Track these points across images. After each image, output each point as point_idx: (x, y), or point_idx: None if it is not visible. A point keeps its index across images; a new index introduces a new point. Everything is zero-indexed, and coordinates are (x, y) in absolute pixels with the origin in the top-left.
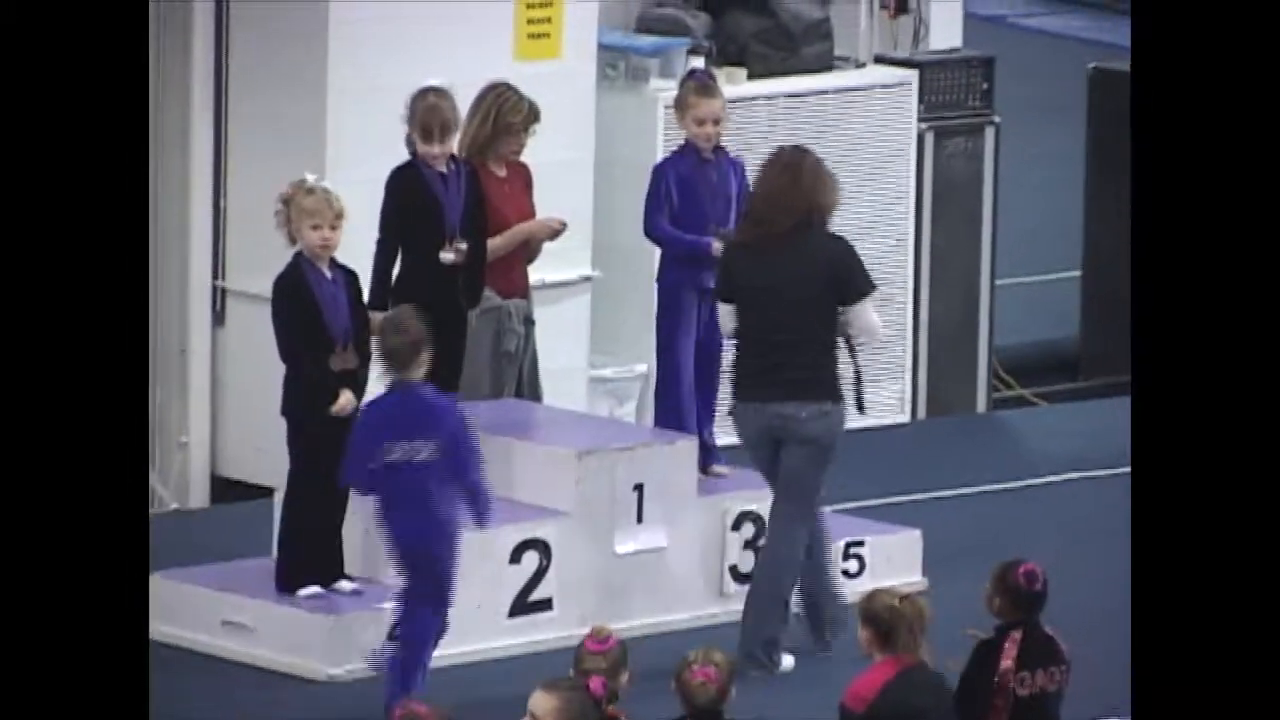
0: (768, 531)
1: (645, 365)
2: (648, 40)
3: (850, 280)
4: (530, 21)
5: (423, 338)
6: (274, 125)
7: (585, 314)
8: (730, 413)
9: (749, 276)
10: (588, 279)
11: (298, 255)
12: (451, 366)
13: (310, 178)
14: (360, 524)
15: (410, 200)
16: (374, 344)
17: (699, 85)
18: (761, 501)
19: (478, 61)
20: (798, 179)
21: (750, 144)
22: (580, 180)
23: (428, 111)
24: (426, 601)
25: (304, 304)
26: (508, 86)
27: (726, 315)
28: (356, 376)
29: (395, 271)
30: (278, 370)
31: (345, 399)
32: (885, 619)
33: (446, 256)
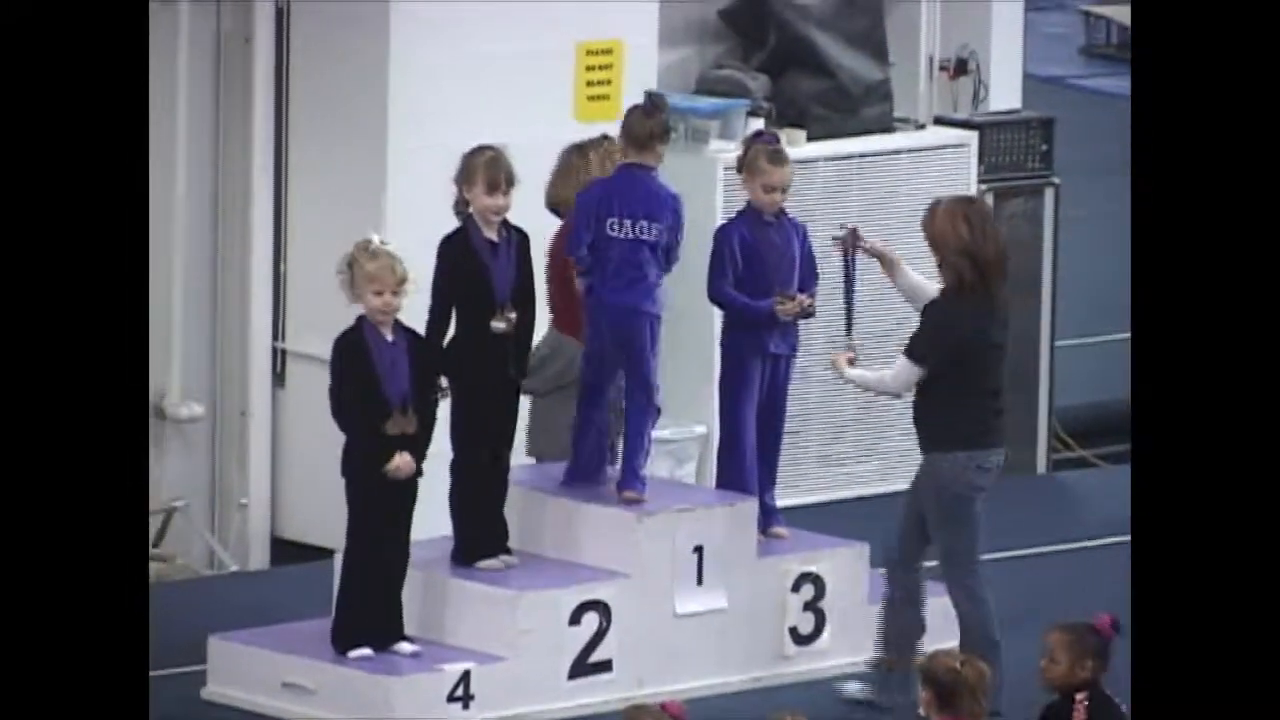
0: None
1: (704, 426)
2: (707, 102)
3: None
4: (590, 83)
5: (664, 129)
6: (334, 186)
7: None
8: (986, 464)
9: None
10: None
11: (361, 318)
12: (502, 434)
13: (375, 238)
14: (420, 584)
15: (461, 269)
16: (620, 125)
17: (771, 153)
18: (821, 563)
19: (538, 122)
20: (973, 228)
21: (810, 206)
22: (803, 297)
23: (491, 164)
24: (634, 395)
25: (361, 367)
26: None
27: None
28: (416, 440)
29: (447, 338)
30: (338, 431)
31: (400, 460)
32: (947, 681)
33: (497, 326)
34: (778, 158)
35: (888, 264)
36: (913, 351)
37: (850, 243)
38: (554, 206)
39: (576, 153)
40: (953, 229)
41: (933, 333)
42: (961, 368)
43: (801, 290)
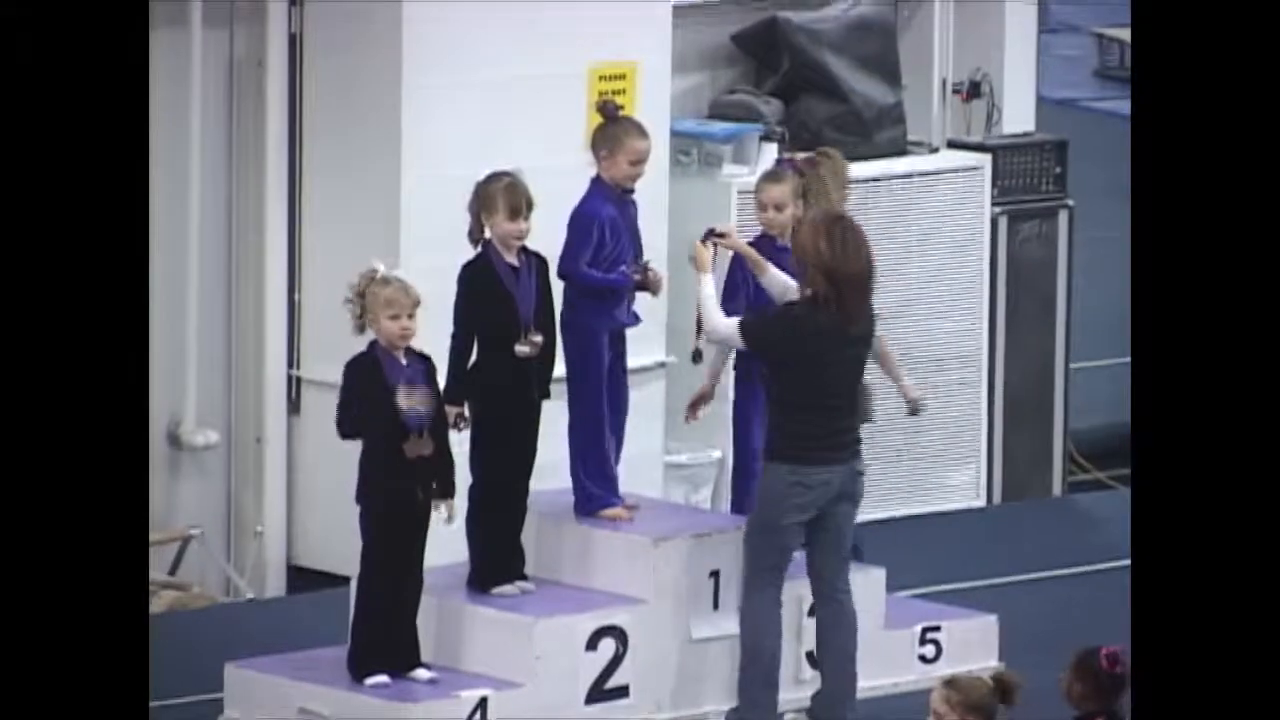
0: (840, 615)
1: (719, 451)
2: (720, 127)
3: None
4: None
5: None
6: (348, 213)
7: (660, 399)
8: (808, 481)
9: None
10: (662, 365)
11: (373, 342)
12: (523, 459)
13: (380, 267)
14: (436, 610)
15: (484, 295)
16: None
17: (765, 172)
18: None
19: (550, 147)
20: (833, 244)
21: None
22: (657, 264)
23: (511, 190)
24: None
25: (376, 390)
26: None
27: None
28: (432, 462)
29: (469, 363)
30: (354, 458)
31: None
32: (987, 705)
33: (521, 350)
34: (767, 176)
35: (753, 263)
36: (747, 323)
37: (712, 241)
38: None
39: (810, 170)
40: (813, 244)
41: (774, 323)
42: (796, 376)
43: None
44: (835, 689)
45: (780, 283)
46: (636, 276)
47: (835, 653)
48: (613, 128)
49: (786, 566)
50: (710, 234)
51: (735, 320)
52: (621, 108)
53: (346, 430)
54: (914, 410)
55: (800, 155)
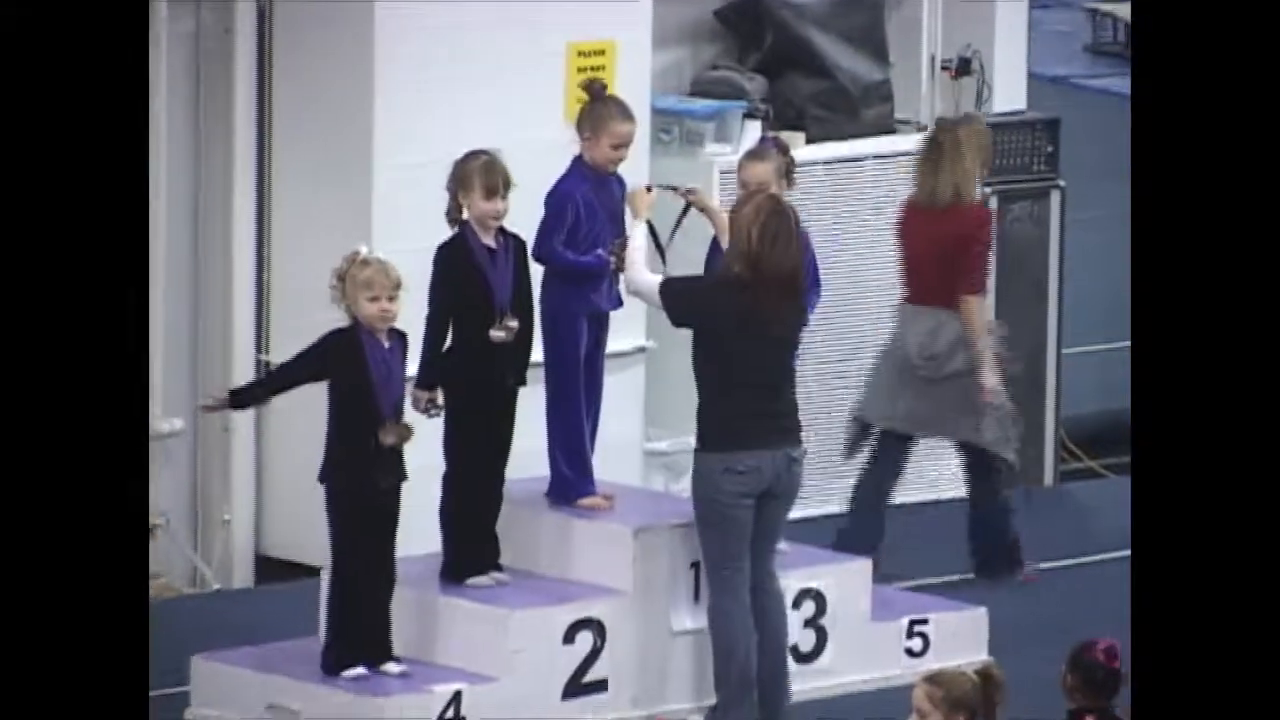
0: (766, 600)
1: None
2: (702, 104)
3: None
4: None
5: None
6: (319, 192)
7: (639, 386)
8: (739, 466)
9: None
10: (642, 350)
11: (356, 323)
12: (498, 446)
13: (364, 249)
14: (409, 602)
15: (459, 277)
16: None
17: (748, 151)
18: (822, 578)
19: (528, 125)
20: (764, 239)
21: (809, 211)
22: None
23: (488, 169)
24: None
25: (354, 372)
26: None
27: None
28: (396, 453)
29: (444, 347)
30: (323, 445)
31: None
32: (971, 701)
33: (496, 335)
34: (750, 154)
35: (719, 227)
36: (670, 285)
37: (684, 195)
38: (952, 198)
39: (948, 135)
40: (745, 230)
41: (695, 294)
42: (713, 355)
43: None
44: (768, 677)
45: None
46: (613, 259)
47: (764, 644)
48: (597, 108)
49: (745, 556)
50: (689, 192)
51: (658, 279)
52: (606, 87)
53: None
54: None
55: (782, 133)
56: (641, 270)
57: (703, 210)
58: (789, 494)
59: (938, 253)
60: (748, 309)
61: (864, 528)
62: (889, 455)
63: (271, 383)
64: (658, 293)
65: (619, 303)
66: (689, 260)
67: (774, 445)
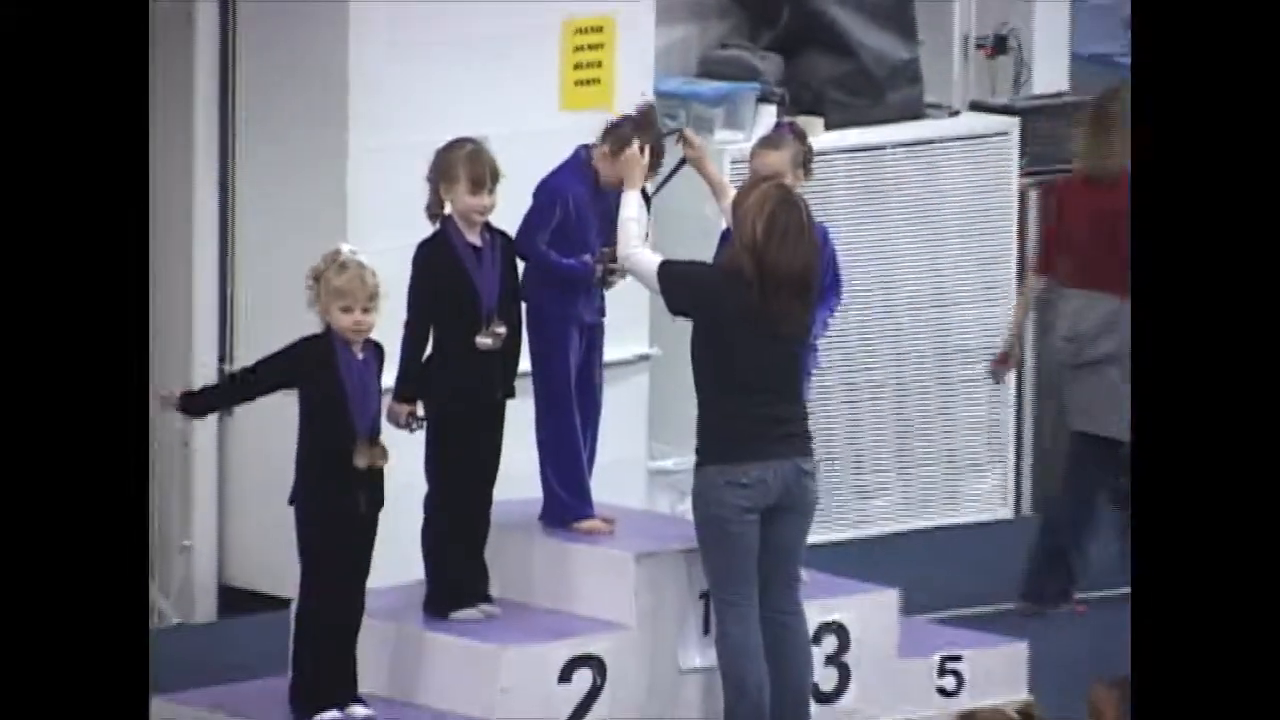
0: (786, 634)
1: None
2: (711, 86)
3: None
4: (578, 66)
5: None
6: (288, 186)
7: (643, 397)
8: (742, 479)
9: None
10: (645, 358)
11: (329, 330)
12: (486, 464)
13: (345, 249)
14: (388, 636)
15: (441, 278)
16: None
17: (761, 138)
18: (845, 610)
19: (519, 113)
20: (771, 236)
21: (829, 205)
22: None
23: (473, 159)
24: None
25: (325, 385)
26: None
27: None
28: (375, 474)
29: (424, 356)
30: (292, 466)
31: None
32: None
33: (483, 342)
34: (764, 142)
35: (715, 185)
36: (669, 266)
37: (682, 146)
38: (1119, 170)
39: (1116, 102)
40: (750, 223)
41: (695, 279)
42: (711, 353)
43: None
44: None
45: None
46: (599, 268)
47: (783, 686)
48: (641, 134)
49: (753, 581)
50: (678, 139)
51: (658, 258)
52: (655, 119)
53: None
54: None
55: (799, 118)
56: (638, 246)
57: (699, 170)
58: (802, 509)
59: (1103, 229)
60: (753, 305)
61: (1055, 560)
62: (1081, 462)
63: (234, 389)
64: (655, 274)
65: (600, 314)
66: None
67: (782, 455)
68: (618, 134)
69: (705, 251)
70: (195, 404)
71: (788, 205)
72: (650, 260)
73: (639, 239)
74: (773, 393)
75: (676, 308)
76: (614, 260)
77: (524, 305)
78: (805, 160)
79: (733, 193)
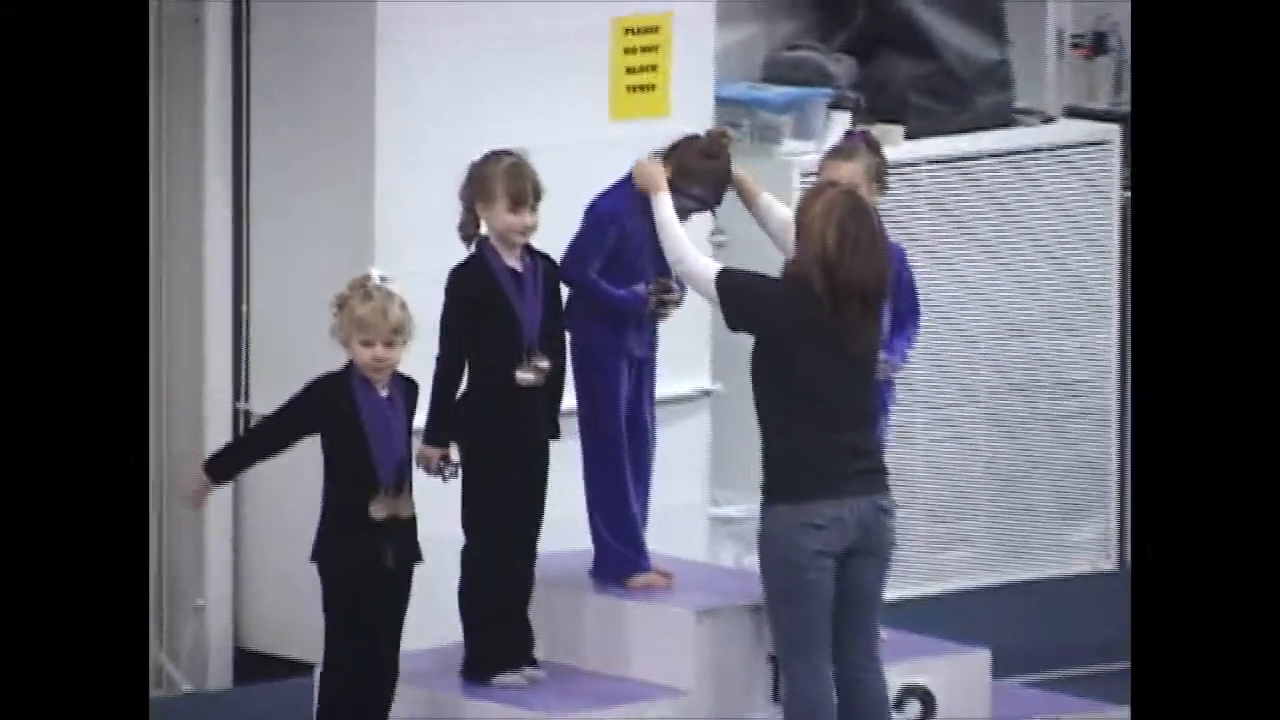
0: (865, 695)
1: None
2: (778, 92)
3: None
4: (630, 70)
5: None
6: (308, 204)
7: (704, 437)
8: (817, 519)
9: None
10: (706, 394)
11: (350, 366)
12: (529, 513)
13: (375, 275)
14: (422, 704)
15: (477, 306)
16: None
17: (833, 148)
18: (930, 673)
19: (565, 122)
20: (843, 244)
21: (908, 222)
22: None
23: (513, 174)
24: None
25: (344, 427)
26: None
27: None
28: (406, 528)
29: (459, 392)
30: (314, 517)
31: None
32: None
33: (524, 377)
34: (838, 153)
35: (746, 193)
36: (729, 274)
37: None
38: None
39: None
40: (820, 231)
41: (759, 289)
42: (779, 378)
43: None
44: None
45: (779, 218)
46: (652, 299)
47: None
48: (700, 162)
49: (828, 634)
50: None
51: (716, 266)
52: (726, 148)
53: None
54: None
55: (876, 126)
56: (690, 250)
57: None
58: (881, 552)
59: None
60: (823, 321)
61: None
62: None
63: (253, 445)
64: (713, 283)
65: (653, 349)
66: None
67: (860, 491)
68: (684, 160)
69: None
70: (219, 469)
71: (858, 212)
72: (707, 267)
73: (686, 240)
74: (847, 420)
75: (735, 322)
76: (668, 291)
77: (570, 337)
78: (880, 173)
79: (767, 196)
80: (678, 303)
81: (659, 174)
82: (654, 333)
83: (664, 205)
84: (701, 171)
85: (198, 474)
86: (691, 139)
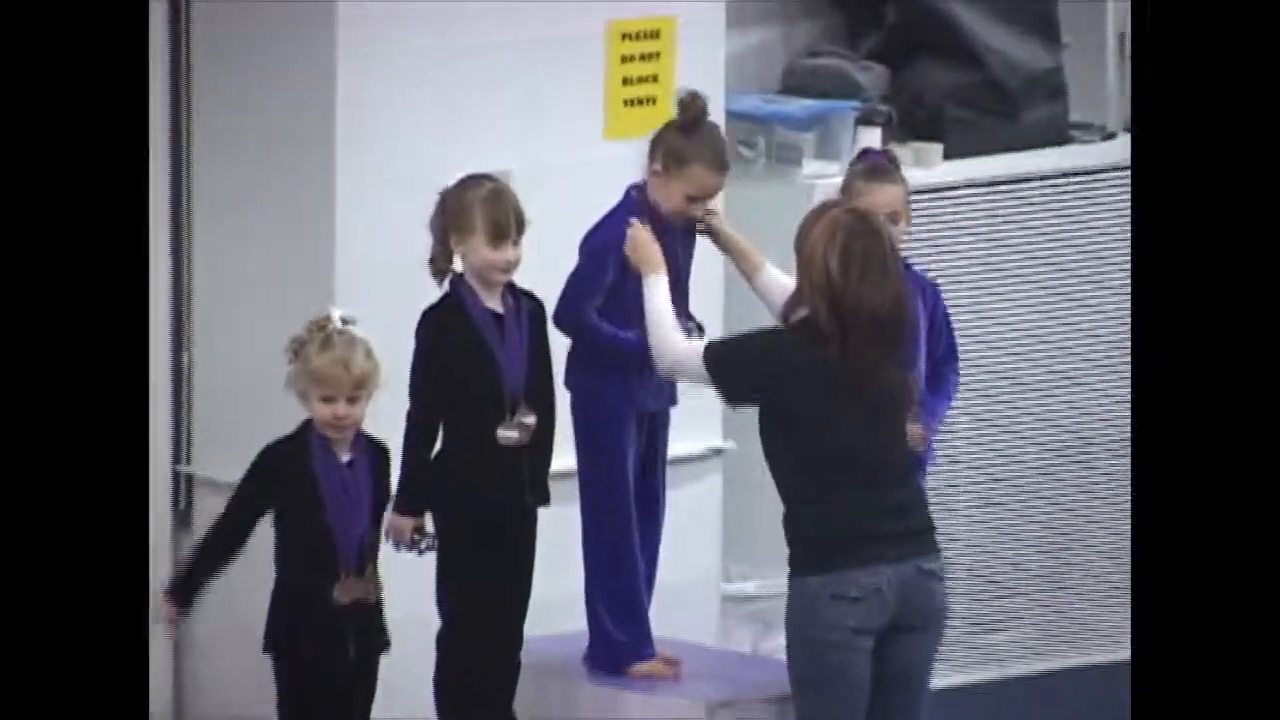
0: None
1: None
2: (799, 105)
3: None
4: (628, 82)
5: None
6: (257, 235)
7: (715, 503)
8: (849, 591)
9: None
10: (718, 452)
11: (309, 422)
12: (513, 591)
13: (337, 315)
14: None
15: (453, 355)
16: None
17: (870, 168)
18: None
19: (552, 141)
20: (848, 266)
21: (945, 255)
22: (707, 304)
23: (493, 202)
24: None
25: (299, 500)
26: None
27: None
28: (371, 613)
29: (433, 453)
30: (265, 601)
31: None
32: None
33: (507, 435)
34: (879, 173)
35: (743, 256)
36: (715, 349)
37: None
38: None
39: None
40: (821, 256)
41: (751, 352)
42: (794, 439)
43: None
44: None
45: (782, 287)
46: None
47: None
48: (683, 140)
49: None
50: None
51: (698, 344)
52: (707, 109)
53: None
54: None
55: (912, 144)
56: (670, 335)
57: (716, 240)
58: (929, 623)
59: None
60: (833, 365)
61: None
62: None
63: (212, 550)
64: (700, 361)
65: (672, 400)
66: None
67: (899, 554)
68: (667, 144)
69: None
70: (181, 597)
71: (865, 233)
72: (691, 349)
73: (670, 327)
74: (877, 473)
75: (735, 396)
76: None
77: (570, 391)
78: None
79: (768, 268)
80: None
81: (654, 252)
82: (671, 383)
83: (657, 291)
84: (697, 148)
85: (164, 604)
86: (665, 127)
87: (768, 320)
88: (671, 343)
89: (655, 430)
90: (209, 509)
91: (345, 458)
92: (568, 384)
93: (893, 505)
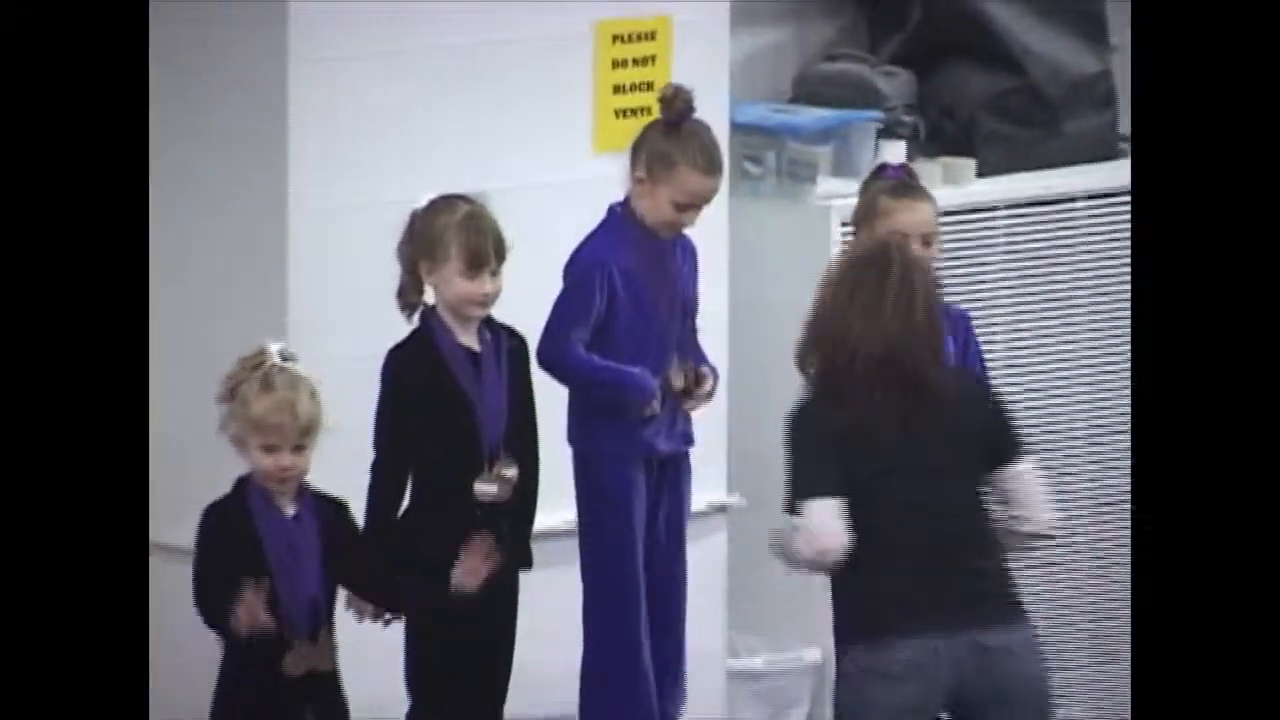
0: None
1: (818, 650)
2: (813, 115)
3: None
4: (619, 90)
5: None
6: (204, 266)
7: (720, 565)
8: (889, 667)
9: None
10: (722, 509)
11: (246, 478)
12: (490, 668)
13: (275, 351)
14: None
15: (423, 398)
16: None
17: (896, 185)
18: None
19: (535, 158)
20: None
21: (979, 280)
22: (709, 343)
23: (468, 226)
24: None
25: (238, 560)
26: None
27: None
28: (327, 683)
29: (400, 511)
30: (211, 674)
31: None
32: None
33: (484, 489)
34: (907, 191)
35: None
36: (797, 488)
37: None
38: None
39: None
40: (821, 298)
41: (802, 453)
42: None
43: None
44: None
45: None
46: (678, 382)
47: None
48: (666, 142)
49: None
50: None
51: (796, 519)
52: (693, 105)
53: (210, 615)
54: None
55: (942, 160)
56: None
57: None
58: (1015, 700)
59: None
60: (856, 418)
61: None
62: None
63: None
64: (808, 520)
65: (687, 441)
66: None
67: (950, 626)
68: (650, 146)
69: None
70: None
71: (871, 264)
72: (792, 526)
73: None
74: (930, 532)
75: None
76: (699, 380)
77: (571, 446)
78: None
79: None
80: (709, 394)
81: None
82: (687, 418)
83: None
84: (683, 148)
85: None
86: (647, 128)
87: (771, 333)
88: (788, 539)
89: (667, 478)
90: (163, 575)
91: (290, 511)
92: (569, 439)
93: (949, 565)
